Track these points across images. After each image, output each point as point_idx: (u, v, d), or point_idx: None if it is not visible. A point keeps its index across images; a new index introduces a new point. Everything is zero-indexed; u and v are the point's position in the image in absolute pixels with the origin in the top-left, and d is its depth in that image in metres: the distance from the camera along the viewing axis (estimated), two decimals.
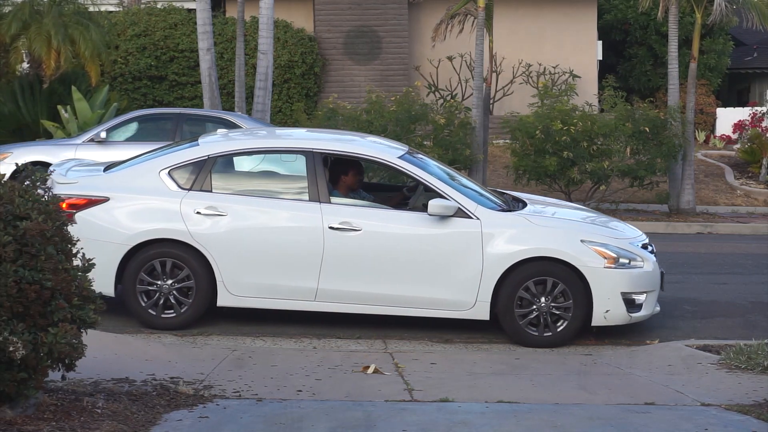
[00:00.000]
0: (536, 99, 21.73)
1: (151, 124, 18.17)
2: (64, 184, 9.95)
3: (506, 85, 29.41)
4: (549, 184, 20.67)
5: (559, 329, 9.77)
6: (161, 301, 9.78)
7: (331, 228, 9.72)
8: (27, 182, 6.50)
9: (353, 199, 10.21)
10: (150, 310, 9.78)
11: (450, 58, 28.89)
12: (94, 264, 6.54)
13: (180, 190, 9.87)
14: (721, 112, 30.62)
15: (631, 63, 31.90)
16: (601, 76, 27.39)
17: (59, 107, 21.25)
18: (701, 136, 29.42)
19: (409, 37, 29.27)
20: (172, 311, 9.78)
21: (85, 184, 10.04)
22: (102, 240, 9.67)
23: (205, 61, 21.24)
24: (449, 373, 8.45)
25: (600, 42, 30.30)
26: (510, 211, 10.22)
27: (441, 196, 9.84)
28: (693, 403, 7.62)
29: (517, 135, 20.83)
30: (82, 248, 6.58)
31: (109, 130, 17.66)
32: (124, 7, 30.23)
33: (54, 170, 10.38)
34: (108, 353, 8.21)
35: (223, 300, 9.80)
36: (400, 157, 10.24)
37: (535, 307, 9.74)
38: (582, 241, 9.83)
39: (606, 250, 9.81)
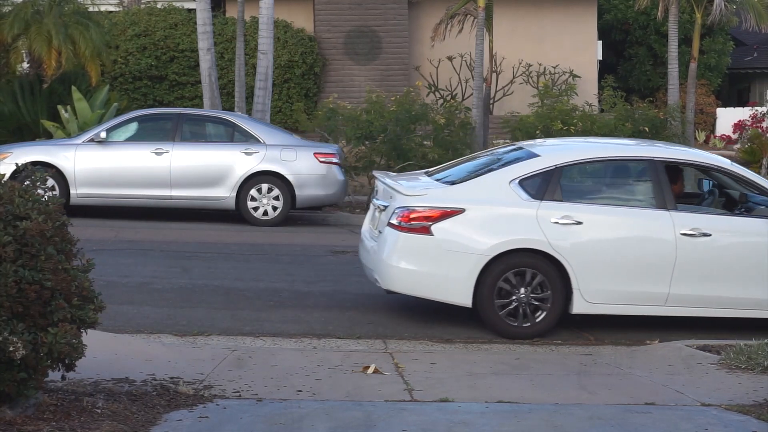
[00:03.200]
0: (536, 99, 21.75)
1: (151, 124, 18.17)
2: (412, 196, 10.05)
3: (506, 85, 29.41)
4: None
5: None
6: (517, 311, 9.86)
7: (682, 234, 9.94)
8: (27, 182, 6.49)
9: (692, 206, 10.50)
10: (506, 320, 9.88)
11: (450, 58, 28.90)
12: (94, 264, 6.53)
13: (532, 200, 9.97)
14: (721, 112, 30.63)
15: (631, 63, 31.91)
16: (601, 76, 27.41)
17: (59, 107, 21.26)
18: (701, 136, 29.44)
19: (409, 37, 29.27)
20: (528, 321, 9.89)
21: (435, 196, 10.08)
22: (460, 251, 9.81)
23: (205, 61, 21.26)
24: (449, 373, 8.45)
25: (600, 42, 30.31)
26: None
27: None
28: (693, 403, 7.63)
29: (517, 135, 20.84)
30: (82, 248, 6.56)
31: (109, 130, 17.66)
32: (124, 7, 30.25)
33: (393, 184, 10.39)
34: (108, 353, 8.20)
35: (578, 307, 9.91)
36: (731, 164, 10.58)
37: None
38: None
39: None
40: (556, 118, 20.31)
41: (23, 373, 6.06)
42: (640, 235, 10.04)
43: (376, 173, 11.33)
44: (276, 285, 12.10)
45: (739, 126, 29.45)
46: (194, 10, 23.46)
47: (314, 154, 17.75)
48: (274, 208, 17.49)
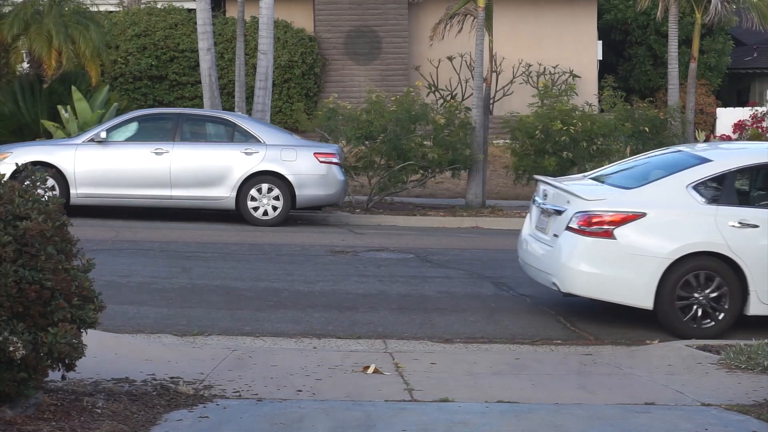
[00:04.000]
0: (536, 99, 21.74)
1: (151, 124, 18.17)
2: (592, 201, 10.23)
3: (506, 85, 29.42)
4: None
5: None
6: (696, 313, 10.02)
7: None
8: (27, 182, 6.49)
9: None
10: (686, 322, 10.03)
11: (450, 58, 28.90)
12: (94, 264, 6.53)
13: (709, 204, 10.19)
14: (721, 111, 30.64)
15: (631, 63, 31.92)
16: (601, 76, 27.41)
17: (59, 107, 21.26)
18: (701, 136, 29.44)
19: (409, 37, 29.28)
20: (706, 322, 10.04)
21: (614, 201, 10.27)
22: (642, 255, 10.00)
23: (205, 61, 21.26)
24: (449, 373, 8.45)
25: (600, 42, 30.33)
26: None
27: None
28: (693, 403, 7.63)
29: (517, 135, 20.84)
30: (82, 248, 6.56)
31: (109, 130, 17.66)
32: (124, 7, 30.26)
33: (570, 188, 10.52)
34: (108, 353, 8.21)
35: (755, 309, 10.09)
36: None
37: None
38: None
39: None
40: (556, 118, 20.30)
41: (23, 373, 6.06)
42: None
43: (540, 177, 11.56)
44: (276, 285, 12.10)
45: (739, 126, 29.46)
46: (194, 10, 23.45)
47: (314, 154, 17.75)
48: (274, 208, 17.49)
